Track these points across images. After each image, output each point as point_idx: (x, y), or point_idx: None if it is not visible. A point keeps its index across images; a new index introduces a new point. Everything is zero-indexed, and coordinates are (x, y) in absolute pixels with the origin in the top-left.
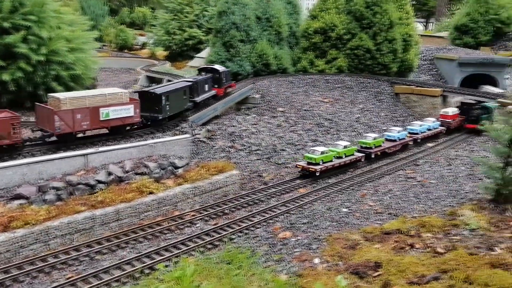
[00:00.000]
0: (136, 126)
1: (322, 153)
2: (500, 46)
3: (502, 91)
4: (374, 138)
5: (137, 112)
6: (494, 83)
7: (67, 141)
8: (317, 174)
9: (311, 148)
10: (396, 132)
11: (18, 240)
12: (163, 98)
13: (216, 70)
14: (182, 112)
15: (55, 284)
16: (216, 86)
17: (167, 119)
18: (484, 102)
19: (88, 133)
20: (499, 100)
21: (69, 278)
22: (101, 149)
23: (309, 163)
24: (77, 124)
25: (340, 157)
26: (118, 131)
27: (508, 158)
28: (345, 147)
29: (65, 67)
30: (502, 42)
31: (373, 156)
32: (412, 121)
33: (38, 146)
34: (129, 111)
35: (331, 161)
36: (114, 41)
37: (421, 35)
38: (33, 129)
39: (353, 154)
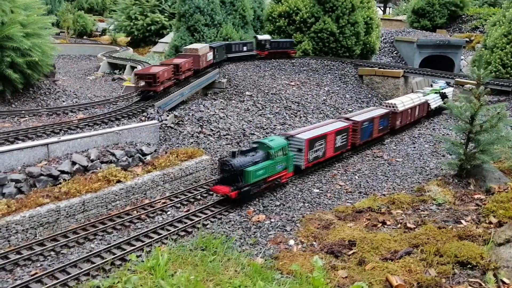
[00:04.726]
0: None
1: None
2: (454, 28)
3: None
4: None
5: (213, 56)
6: (452, 64)
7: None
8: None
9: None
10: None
11: None
12: (216, 50)
13: (257, 38)
14: (221, 62)
15: (18, 282)
16: (259, 49)
17: (219, 63)
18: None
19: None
20: (457, 80)
21: (34, 274)
22: (63, 138)
23: None
24: (202, 64)
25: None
26: (207, 70)
27: (470, 134)
28: None
29: (21, 53)
30: (456, 24)
31: None
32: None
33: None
34: (211, 56)
35: None
36: (72, 27)
37: (381, 19)
38: None
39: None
